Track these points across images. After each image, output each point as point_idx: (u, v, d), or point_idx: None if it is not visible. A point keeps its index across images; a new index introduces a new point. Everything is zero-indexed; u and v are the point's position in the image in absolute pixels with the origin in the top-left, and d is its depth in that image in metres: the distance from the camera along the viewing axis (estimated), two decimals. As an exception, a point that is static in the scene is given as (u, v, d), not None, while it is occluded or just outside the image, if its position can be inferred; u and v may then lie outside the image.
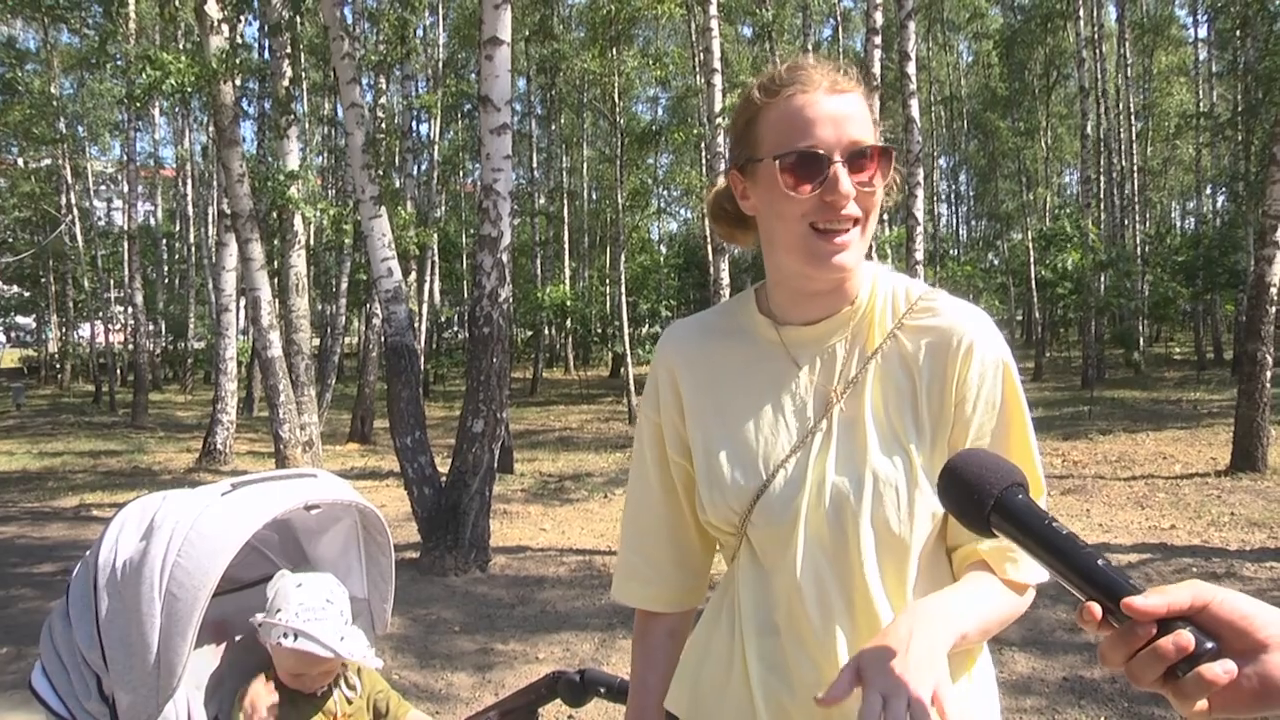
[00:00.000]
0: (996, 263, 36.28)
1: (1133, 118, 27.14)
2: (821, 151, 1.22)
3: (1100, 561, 0.85)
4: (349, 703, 1.92)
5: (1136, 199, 26.18)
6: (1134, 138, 26.97)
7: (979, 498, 0.94)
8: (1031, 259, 26.75)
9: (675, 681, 1.42)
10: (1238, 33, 22.27)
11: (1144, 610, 0.79)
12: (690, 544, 1.46)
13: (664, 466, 1.43)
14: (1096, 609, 0.82)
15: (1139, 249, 24.65)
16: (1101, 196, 25.24)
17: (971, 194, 44.62)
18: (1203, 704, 0.78)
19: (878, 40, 13.05)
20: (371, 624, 2.08)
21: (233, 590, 2.00)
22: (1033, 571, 1.27)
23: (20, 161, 28.45)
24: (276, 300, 12.86)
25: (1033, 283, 26.87)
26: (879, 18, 13.11)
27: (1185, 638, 0.77)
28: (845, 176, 1.22)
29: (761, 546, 1.32)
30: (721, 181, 1.45)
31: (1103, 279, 20.96)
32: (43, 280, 33.07)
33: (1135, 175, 26.20)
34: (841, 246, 1.24)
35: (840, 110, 1.24)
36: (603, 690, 1.84)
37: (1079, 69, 22.14)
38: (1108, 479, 9.96)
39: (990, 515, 0.94)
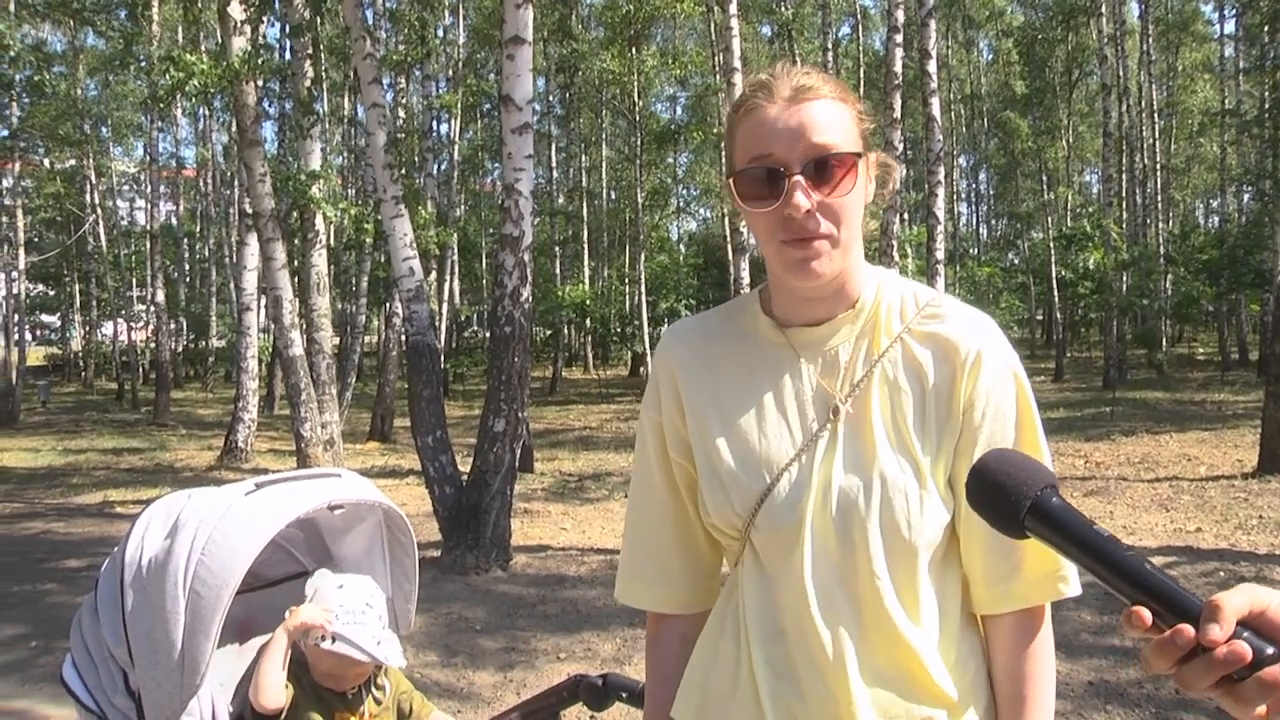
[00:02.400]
0: (1017, 262, 36.11)
1: (1155, 115, 26.95)
2: (775, 167, 1.20)
3: (1148, 565, 0.82)
4: (377, 703, 1.92)
5: (1159, 198, 26.02)
6: (1157, 135, 26.80)
7: (1014, 500, 0.90)
8: (1052, 258, 26.59)
9: (682, 690, 1.40)
10: (1266, 28, 22.04)
11: (1220, 639, 0.75)
12: (697, 544, 1.44)
13: (666, 466, 1.41)
14: (1146, 614, 0.78)
15: (1161, 248, 24.47)
16: (1123, 195, 25.07)
17: (992, 193, 44.46)
18: (1262, 709, 0.75)
19: (899, 39, 12.99)
20: (395, 623, 2.08)
21: (257, 588, 2.01)
22: (1075, 583, 1.27)
23: (46, 162, 28.71)
24: (298, 299, 12.93)
25: (1053, 282, 26.70)
26: (900, 15, 13.05)
27: (1242, 647, 0.74)
28: (800, 192, 1.19)
29: (765, 550, 1.30)
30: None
31: (1124, 278, 20.82)
32: (67, 279, 33.36)
33: (1158, 173, 26.04)
34: (813, 254, 1.22)
35: (800, 120, 1.21)
36: (624, 695, 1.84)
37: (1101, 66, 22.01)
38: (1131, 481, 9.88)
39: (1025, 518, 0.90)
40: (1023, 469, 0.93)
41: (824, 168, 1.21)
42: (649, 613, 1.48)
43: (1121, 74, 23.55)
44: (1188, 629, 0.75)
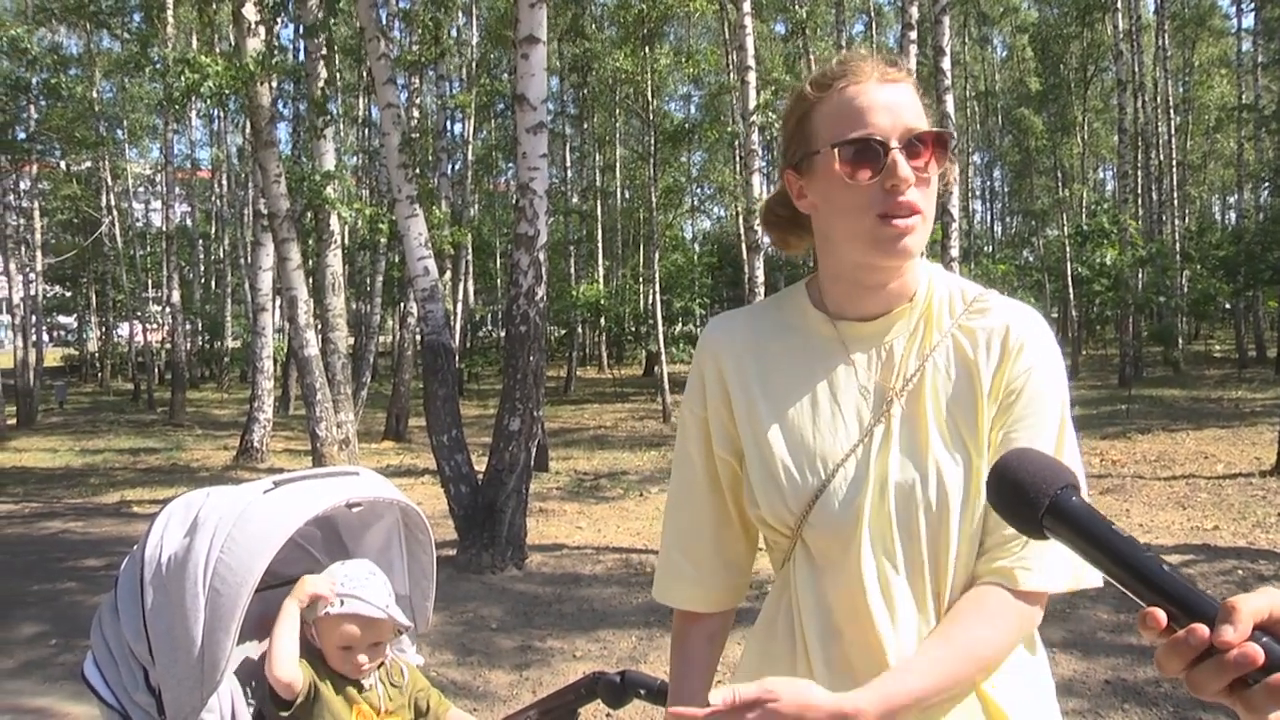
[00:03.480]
0: (1032, 259, 35.92)
1: (1172, 111, 26.74)
2: (879, 138, 1.21)
3: (1165, 567, 0.81)
4: (390, 699, 1.92)
5: (1175, 194, 25.83)
6: (1173, 131, 26.59)
7: (1032, 499, 0.89)
8: (1067, 255, 26.45)
9: None
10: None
11: (1234, 642, 0.73)
12: (735, 543, 1.43)
13: (710, 464, 1.39)
14: (1161, 616, 0.77)
15: (1178, 245, 24.30)
16: (1139, 192, 24.91)
17: (1006, 190, 44.23)
18: (1276, 716, 0.73)
19: (913, 35, 12.95)
20: (413, 620, 2.08)
21: (276, 586, 2.02)
22: (1050, 579, 1.23)
23: (63, 165, 28.88)
24: (312, 299, 12.97)
25: (1069, 280, 26.56)
26: (914, 12, 13.01)
27: (1254, 649, 0.72)
28: (904, 162, 1.21)
29: (819, 548, 1.29)
30: (756, 190, 1.42)
31: (1140, 275, 20.69)
32: (83, 281, 33.57)
33: (1174, 170, 25.85)
34: (907, 230, 1.22)
35: (893, 99, 1.24)
36: (642, 692, 1.84)
37: (1116, 62, 21.87)
38: (1147, 479, 9.83)
39: (1044, 518, 0.89)
40: (1042, 468, 0.92)
41: (919, 145, 1.23)
42: (676, 610, 1.47)
43: (1137, 70, 23.41)
44: (1201, 629, 0.74)
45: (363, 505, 1.91)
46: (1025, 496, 0.90)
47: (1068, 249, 26.26)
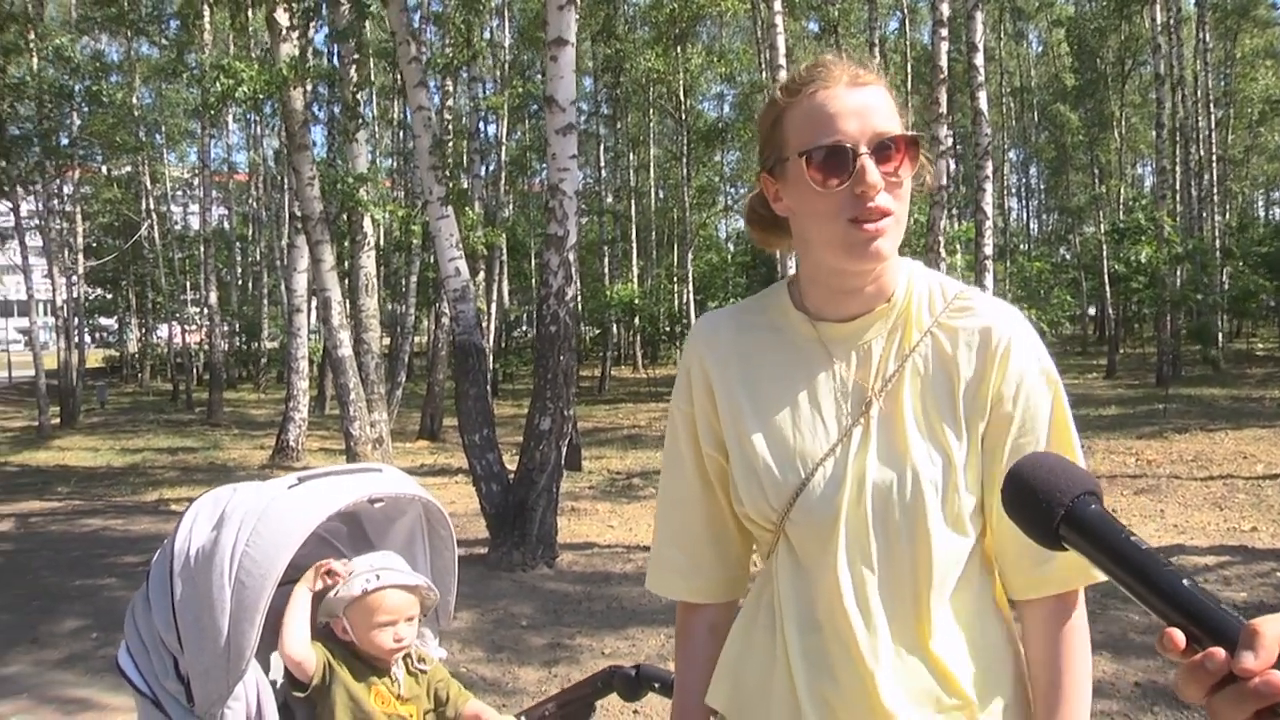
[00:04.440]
0: (1068, 257, 35.54)
1: (1212, 105, 26.34)
2: (847, 144, 1.22)
3: (1186, 581, 0.75)
4: (408, 687, 1.95)
5: (1215, 189, 25.42)
6: (1213, 126, 26.19)
7: (1048, 507, 0.85)
8: (1104, 253, 26.16)
9: (716, 678, 1.42)
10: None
11: (1257, 670, 0.67)
12: (729, 536, 1.45)
13: (698, 458, 1.42)
14: (1180, 637, 0.72)
15: (1218, 241, 23.92)
16: (1178, 188, 24.53)
17: (1042, 187, 43.81)
18: None
19: (944, 32, 12.86)
20: (436, 615, 2.12)
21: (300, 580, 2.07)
22: None
23: (104, 169, 29.36)
24: (347, 300, 13.11)
25: (1105, 277, 26.25)
26: (945, 9, 12.91)
27: (1278, 679, 0.66)
28: (873, 168, 1.22)
29: (800, 543, 1.32)
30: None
31: (1179, 273, 20.41)
32: (123, 283, 34.07)
33: (1214, 165, 25.44)
34: (877, 234, 1.23)
35: (863, 103, 1.24)
36: (656, 685, 1.87)
37: (1155, 56, 21.54)
38: (1183, 479, 9.70)
39: (1059, 527, 0.85)
40: (1058, 474, 0.88)
41: (888, 148, 1.23)
42: (679, 603, 1.51)
43: (1176, 63, 23.06)
44: (1220, 653, 0.69)
45: (385, 501, 1.95)
46: (1040, 505, 0.86)
47: (1105, 246, 25.98)
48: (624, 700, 1.94)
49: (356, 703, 1.85)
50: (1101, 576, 1.22)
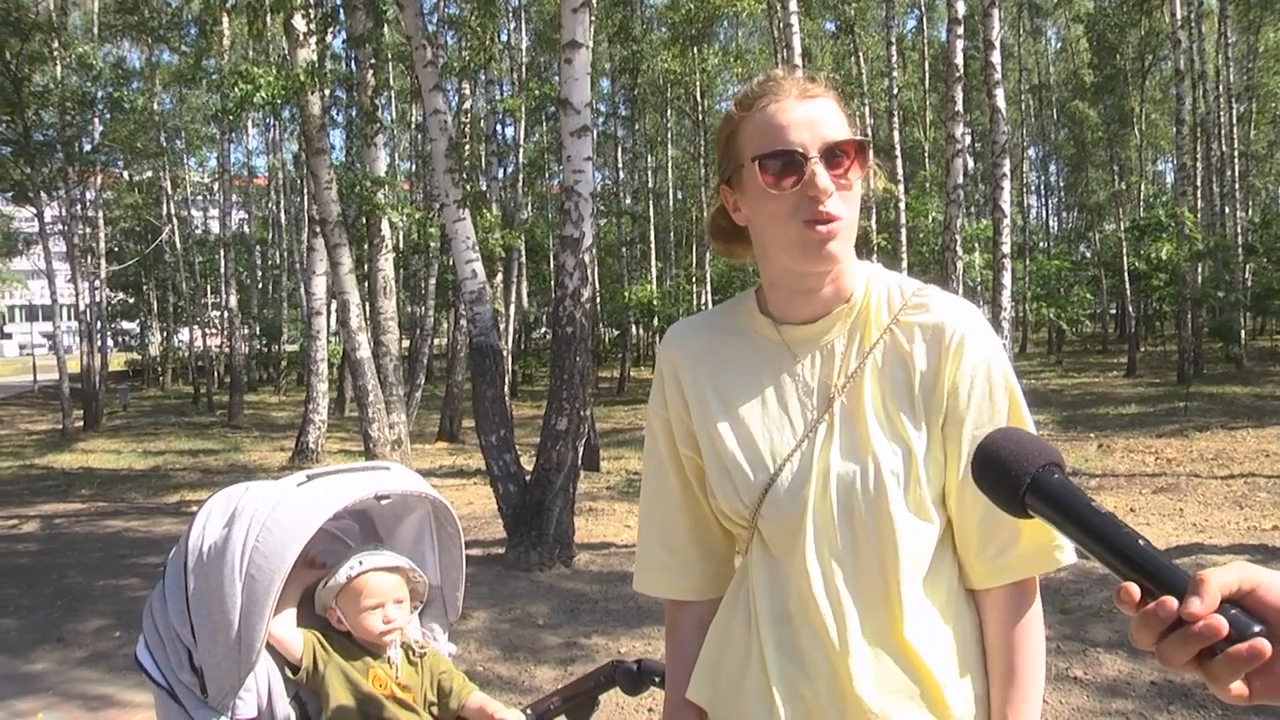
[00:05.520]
0: (1088, 255, 35.32)
1: (1234, 100, 26.09)
2: (798, 150, 1.28)
3: (1141, 542, 0.82)
4: (406, 674, 1.97)
5: (1238, 185, 25.17)
6: (1235, 121, 25.92)
7: (1014, 477, 0.91)
8: (1124, 250, 25.97)
9: (697, 673, 1.46)
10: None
11: (1201, 614, 0.75)
12: (712, 534, 1.50)
13: (677, 461, 1.47)
14: (1135, 590, 0.78)
15: (1240, 237, 23.70)
16: (1199, 184, 24.32)
17: (1062, 185, 43.52)
18: (1239, 687, 0.75)
19: (960, 30, 12.82)
20: (444, 611, 2.16)
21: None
22: (1070, 552, 1.31)
23: (125, 175, 29.64)
24: (366, 303, 13.19)
25: (1125, 275, 26.06)
26: (961, 7, 12.86)
27: (1218, 620, 0.74)
28: (823, 172, 1.27)
29: (772, 538, 1.37)
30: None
31: (1200, 269, 20.24)
32: (145, 287, 34.41)
33: (1236, 160, 25.18)
34: (829, 235, 1.27)
35: (811, 114, 1.30)
36: (657, 680, 1.90)
37: (1175, 51, 21.37)
38: (1203, 477, 9.64)
39: (1025, 495, 0.90)
40: (1025, 446, 0.93)
41: (837, 155, 1.28)
42: (668, 601, 1.55)
43: (1198, 58, 22.87)
44: (1170, 601, 0.76)
45: (393, 498, 1.99)
46: (1008, 475, 0.92)
47: (1125, 243, 25.79)
48: (626, 694, 1.97)
49: (355, 685, 1.89)
50: (1063, 560, 1.32)
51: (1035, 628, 1.34)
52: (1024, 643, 1.33)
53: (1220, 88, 25.17)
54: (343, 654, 1.91)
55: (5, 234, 31.39)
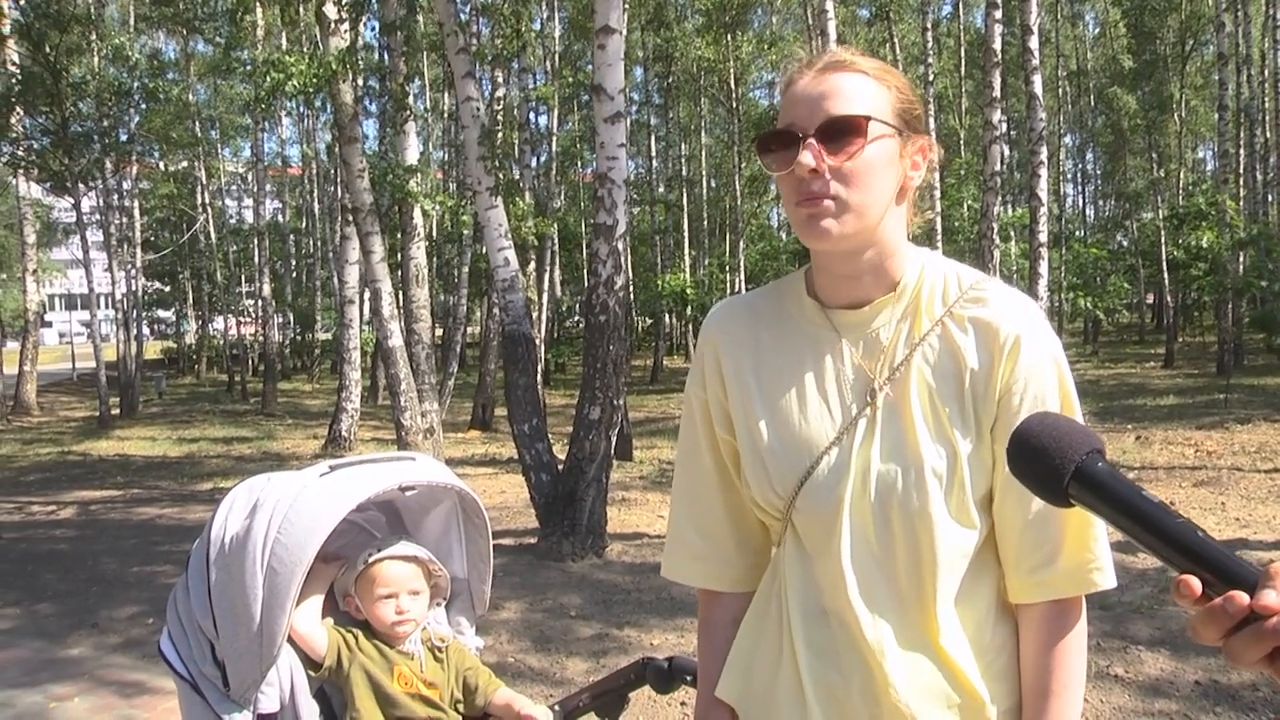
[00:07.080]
0: (1125, 244, 34.85)
1: (1279, 85, 25.58)
2: (795, 130, 1.22)
3: (1200, 533, 0.77)
4: (432, 670, 1.93)
5: (1282, 172, 24.70)
6: (1280, 107, 25.43)
7: (1057, 464, 0.85)
8: (1163, 239, 25.58)
9: (727, 670, 1.41)
10: None
11: (1275, 607, 0.71)
12: (748, 520, 1.44)
13: (714, 442, 1.43)
14: (1196, 584, 0.74)
15: (1283, 226, 23.24)
16: (1241, 171, 23.87)
17: (1099, 172, 42.93)
18: None
19: (998, 15, 12.64)
20: (472, 604, 2.12)
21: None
22: (1110, 575, 1.27)
23: (161, 165, 29.93)
24: (398, 291, 13.22)
25: (1164, 264, 25.66)
26: (1000, -9, 12.69)
27: None
28: (808, 153, 1.20)
29: (806, 532, 1.32)
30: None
31: (1241, 259, 19.88)
32: (180, 276, 34.78)
33: (1280, 147, 24.69)
34: (819, 213, 1.22)
35: (823, 88, 1.23)
36: (689, 678, 1.86)
37: (1218, 35, 20.96)
38: (1245, 470, 9.45)
39: (1069, 485, 0.85)
40: (1067, 433, 0.87)
41: (834, 131, 1.21)
42: (700, 594, 1.50)
43: (1243, 41, 22.41)
44: (1241, 595, 0.72)
45: (418, 489, 1.94)
46: (1050, 462, 0.86)
47: (1163, 232, 25.41)
48: (657, 692, 1.93)
49: (378, 685, 1.86)
50: (1101, 584, 1.26)
51: (1074, 651, 1.27)
52: (1060, 665, 1.26)
53: (1266, 72, 24.67)
54: (368, 652, 1.87)
55: (45, 224, 31.81)
